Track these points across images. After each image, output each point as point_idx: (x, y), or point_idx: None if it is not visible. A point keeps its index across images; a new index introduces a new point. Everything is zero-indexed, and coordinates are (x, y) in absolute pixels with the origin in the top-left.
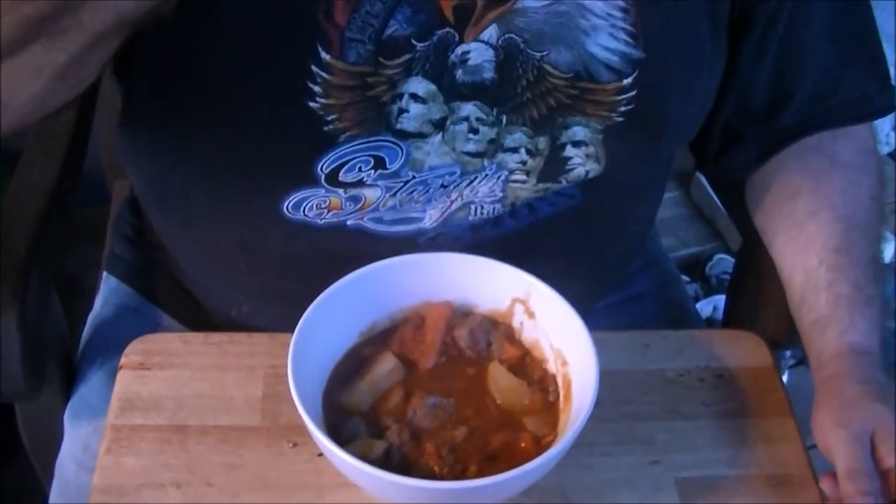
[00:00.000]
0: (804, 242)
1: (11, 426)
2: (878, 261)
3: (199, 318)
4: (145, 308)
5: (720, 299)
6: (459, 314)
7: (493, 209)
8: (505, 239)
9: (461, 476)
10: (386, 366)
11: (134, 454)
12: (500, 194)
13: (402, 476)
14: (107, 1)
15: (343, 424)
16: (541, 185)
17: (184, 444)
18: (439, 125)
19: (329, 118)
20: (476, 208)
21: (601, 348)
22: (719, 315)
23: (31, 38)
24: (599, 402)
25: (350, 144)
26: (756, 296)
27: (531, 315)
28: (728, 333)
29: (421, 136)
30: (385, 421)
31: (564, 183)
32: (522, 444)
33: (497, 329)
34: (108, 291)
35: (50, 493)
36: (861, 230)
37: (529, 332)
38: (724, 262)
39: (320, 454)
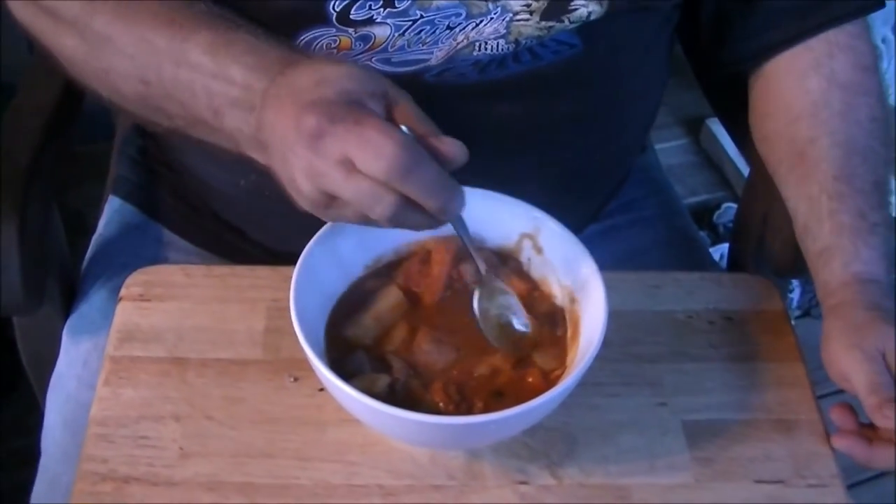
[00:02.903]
0: (805, 170)
1: (11, 361)
2: (881, 186)
3: (202, 232)
4: (148, 226)
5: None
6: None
7: (497, 45)
8: (509, 81)
9: (468, 413)
10: (391, 299)
11: (133, 386)
12: (504, 31)
13: (407, 411)
14: None
15: (346, 359)
16: (543, 23)
17: (183, 376)
18: None
19: None
20: (481, 45)
21: (610, 288)
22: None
23: None
24: (607, 343)
25: None
26: (761, 227)
27: (539, 251)
28: (738, 277)
29: None
30: (389, 356)
31: (567, 23)
32: (530, 379)
33: (505, 264)
34: (112, 212)
35: (45, 409)
36: (862, 155)
37: (538, 268)
38: (732, 211)
39: (322, 389)
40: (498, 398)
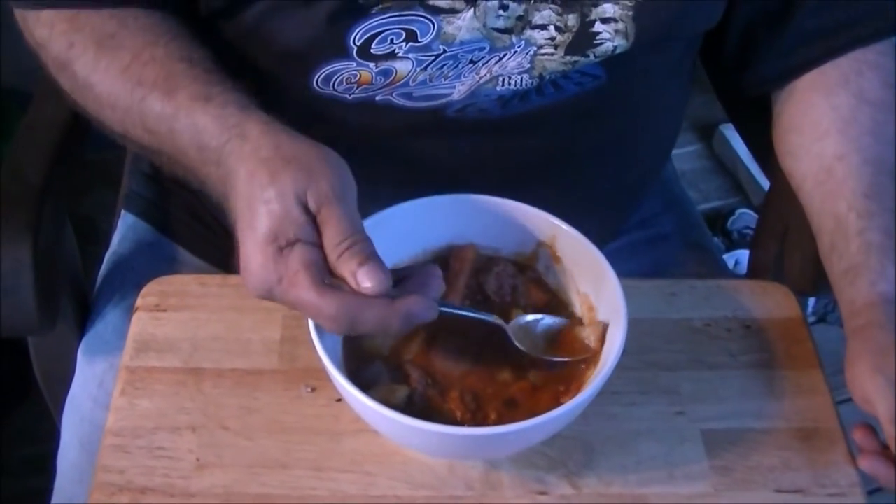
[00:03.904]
0: (833, 187)
1: (24, 368)
2: None
3: (215, 251)
4: (162, 243)
5: (742, 254)
6: (484, 257)
7: (521, 80)
8: (532, 115)
9: (482, 422)
10: None
11: (149, 396)
12: (528, 65)
13: (425, 422)
14: None
15: (364, 369)
16: (568, 58)
17: (199, 386)
18: (471, 1)
19: None
20: (504, 79)
21: (626, 296)
22: (741, 269)
23: None
24: (624, 351)
25: (383, 16)
26: (781, 243)
27: (557, 260)
28: (756, 284)
29: (453, 11)
30: (407, 366)
31: (592, 57)
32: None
33: (523, 274)
34: (126, 228)
35: (61, 429)
36: (890, 173)
37: (555, 276)
38: (745, 217)
39: (338, 399)
40: (511, 407)
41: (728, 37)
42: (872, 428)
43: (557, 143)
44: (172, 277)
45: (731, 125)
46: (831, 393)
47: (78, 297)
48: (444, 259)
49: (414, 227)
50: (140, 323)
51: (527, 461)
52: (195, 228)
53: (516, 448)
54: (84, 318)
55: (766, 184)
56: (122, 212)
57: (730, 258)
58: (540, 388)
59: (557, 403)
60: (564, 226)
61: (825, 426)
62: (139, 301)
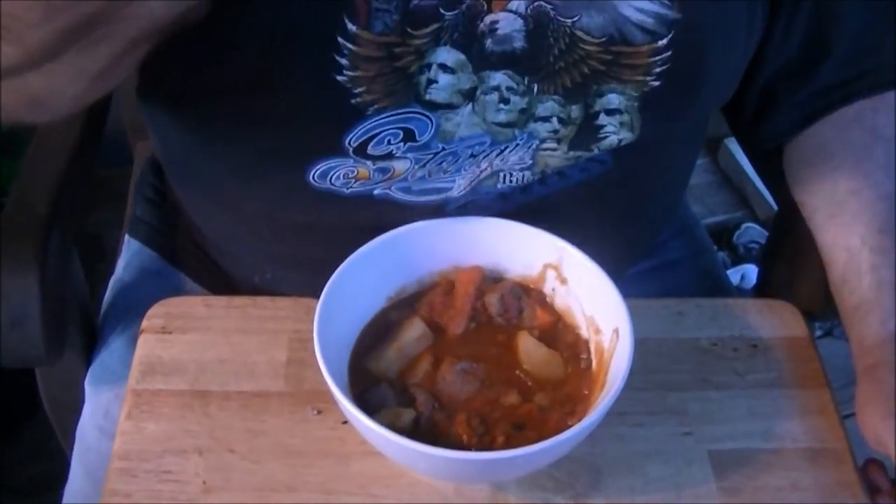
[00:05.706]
0: (846, 221)
1: (32, 387)
2: None
3: (221, 282)
4: (168, 272)
5: (748, 268)
6: (490, 280)
7: (523, 176)
8: (534, 206)
9: (489, 446)
10: (414, 332)
11: (155, 419)
12: (530, 161)
13: (432, 446)
14: (140, 10)
15: (370, 392)
16: (571, 154)
17: (206, 409)
18: (469, 95)
19: (357, 90)
20: (505, 176)
21: (633, 316)
22: (747, 284)
23: (66, 46)
24: (631, 371)
25: (378, 117)
26: (791, 265)
27: (563, 281)
28: (763, 303)
29: (451, 106)
30: (413, 389)
31: (596, 151)
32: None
33: (529, 296)
34: (130, 255)
35: (71, 459)
36: None
37: (562, 298)
38: (751, 231)
39: (345, 422)
40: (519, 430)
41: (745, 100)
42: (883, 465)
43: (560, 223)
44: (178, 299)
45: (735, 140)
46: (839, 412)
47: (85, 325)
48: (450, 281)
49: (420, 249)
50: (146, 345)
51: (534, 483)
52: (201, 258)
53: (523, 471)
54: (91, 345)
55: (771, 198)
56: (127, 237)
57: (735, 273)
58: (547, 410)
59: (565, 426)
60: (570, 248)
61: (833, 446)
62: (145, 323)
